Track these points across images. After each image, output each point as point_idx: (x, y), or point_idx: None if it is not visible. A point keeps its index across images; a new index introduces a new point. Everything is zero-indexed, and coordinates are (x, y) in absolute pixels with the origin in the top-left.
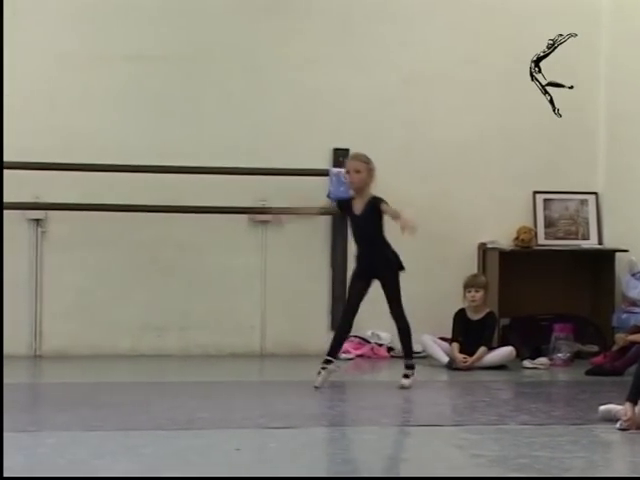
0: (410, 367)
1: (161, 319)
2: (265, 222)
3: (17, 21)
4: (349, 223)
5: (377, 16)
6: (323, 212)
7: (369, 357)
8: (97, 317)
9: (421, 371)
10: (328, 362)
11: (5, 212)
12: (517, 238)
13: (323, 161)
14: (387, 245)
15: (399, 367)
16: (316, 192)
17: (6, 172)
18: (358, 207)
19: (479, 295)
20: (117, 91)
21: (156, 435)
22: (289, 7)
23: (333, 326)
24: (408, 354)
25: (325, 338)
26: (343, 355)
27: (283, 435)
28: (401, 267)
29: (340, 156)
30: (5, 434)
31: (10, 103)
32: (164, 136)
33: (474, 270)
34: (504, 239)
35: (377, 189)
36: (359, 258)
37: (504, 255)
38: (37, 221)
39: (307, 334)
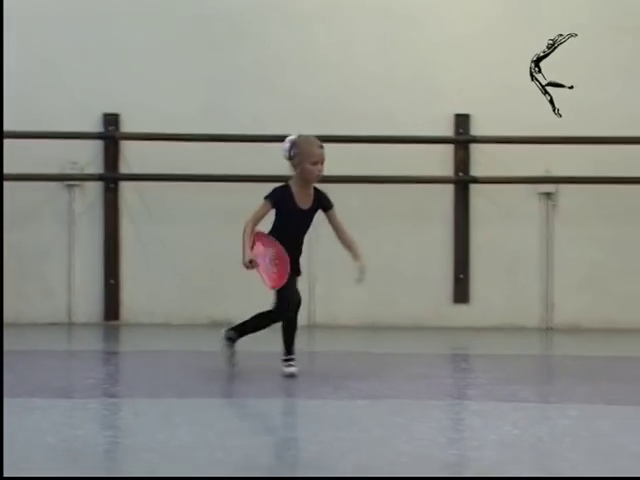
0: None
1: None
2: None
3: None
4: (285, 217)
5: None
6: None
7: None
8: (609, 290)
9: None
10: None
11: (516, 186)
12: None
13: None
14: None
15: None
16: None
17: (518, 146)
18: (303, 199)
19: None
20: (625, 62)
21: None
22: None
23: None
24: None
25: None
26: None
27: None
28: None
29: None
30: (509, 404)
31: (524, 78)
32: None
33: None
34: None
35: None
36: None
37: None
38: (548, 195)
39: None
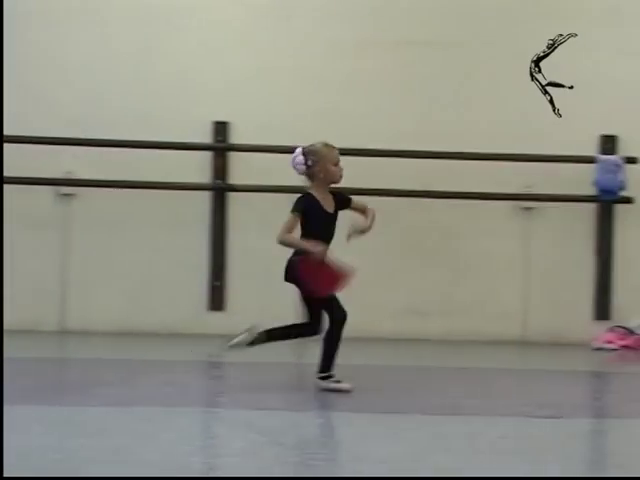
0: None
1: (423, 303)
2: (529, 209)
3: (291, 10)
4: (315, 224)
5: None
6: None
7: (634, 349)
8: (361, 299)
9: None
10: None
11: (273, 194)
12: None
13: (589, 148)
14: None
15: None
16: (581, 179)
17: (276, 155)
18: (327, 204)
19: None
20: (383, 76)
21: (421, 420)
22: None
23: (598, 315)
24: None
25: (589, 327)
26: (607, 345)
27: (547, 425)
28: None
29: (609, 143)
30: (258, 412)
31: (284, 87)
32: (429, 121)
33: None
34: None
35: None
36: None
37: None
38: None
39: (570, 323)
